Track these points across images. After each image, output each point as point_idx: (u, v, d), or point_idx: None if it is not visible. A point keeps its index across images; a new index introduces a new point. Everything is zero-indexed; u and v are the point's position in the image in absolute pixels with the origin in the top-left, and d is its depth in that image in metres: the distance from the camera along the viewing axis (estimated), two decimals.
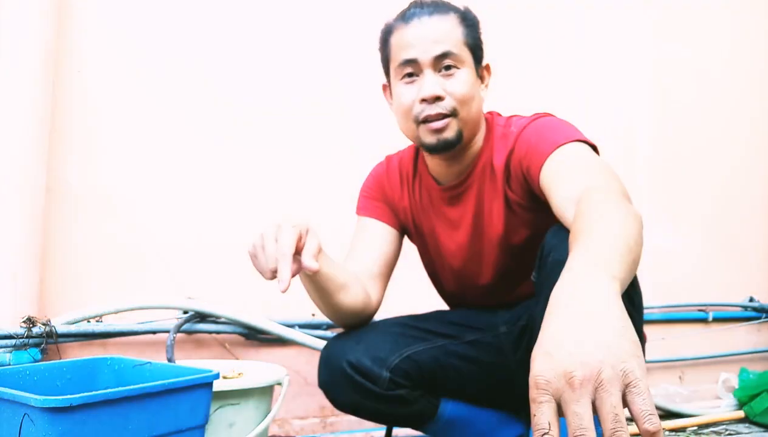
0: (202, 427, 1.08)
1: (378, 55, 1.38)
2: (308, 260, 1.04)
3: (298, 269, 1.06)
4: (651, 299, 2.37)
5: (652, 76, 2.46)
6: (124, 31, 1.87)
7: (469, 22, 1.32)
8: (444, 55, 1.25)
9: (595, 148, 1.19)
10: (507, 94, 1.78)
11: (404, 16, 1.30)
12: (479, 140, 1.35)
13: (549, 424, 0.58)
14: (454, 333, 1.43)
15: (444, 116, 1.25)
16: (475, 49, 1.32)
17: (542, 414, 0.59)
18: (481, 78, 1.34)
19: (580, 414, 0.58)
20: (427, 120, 1.26)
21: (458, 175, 1.37)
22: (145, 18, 1.89)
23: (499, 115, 1.39)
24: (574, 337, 0.62)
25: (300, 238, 1.06)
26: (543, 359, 0.61)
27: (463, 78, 1.26)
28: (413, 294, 1.71)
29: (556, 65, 2.33)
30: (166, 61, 1.90)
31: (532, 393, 0.60)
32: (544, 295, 1.03)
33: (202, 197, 1.91)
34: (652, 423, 0.58)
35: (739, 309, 2.52)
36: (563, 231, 1.03)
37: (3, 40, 1.66)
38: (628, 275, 0.76)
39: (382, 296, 1.43)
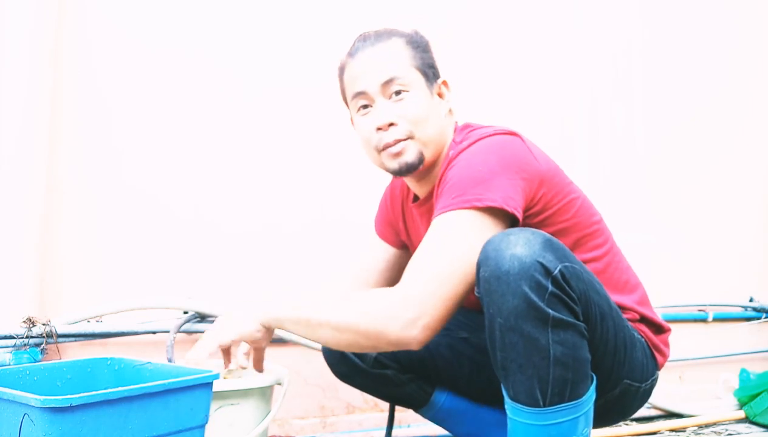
0: (202, 427, 1.08)
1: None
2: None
3: None
4: (651, 299, 2.37)
5: (650, 73, 2.46)
6: (123, 29, 1.87)
7: (416, 44, 1.33)
8: (391, 81, 1.27)
9: (497, 209, 1.16)
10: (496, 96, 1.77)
11: (351, 52, 1.34)
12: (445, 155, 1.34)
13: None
14: (450, 326, 1.46)
15: (401, 140, 1.27)
16: (426, 69, 1.32)
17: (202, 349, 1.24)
18: (440, 95, 1.34)
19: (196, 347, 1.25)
20: (386, 147, 1.28)
21: (428, 190, 1.38)
22: (146, 13, 1.89)
23: (468, 125, 1.36)
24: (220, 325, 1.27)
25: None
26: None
27: (413, 100, 1.28)
28: None
29: (552, 61, 2.33)
30: (163, 61, 1.90)
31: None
32: (485, 309, 1.10)
33: (201, 197, 1.91)
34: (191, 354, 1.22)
35: (739, 309, 2.52)
36: (490, 246, 1.10)
37: (3, 37, 1.66)
38: (289, 322, 1.22)
39: None
